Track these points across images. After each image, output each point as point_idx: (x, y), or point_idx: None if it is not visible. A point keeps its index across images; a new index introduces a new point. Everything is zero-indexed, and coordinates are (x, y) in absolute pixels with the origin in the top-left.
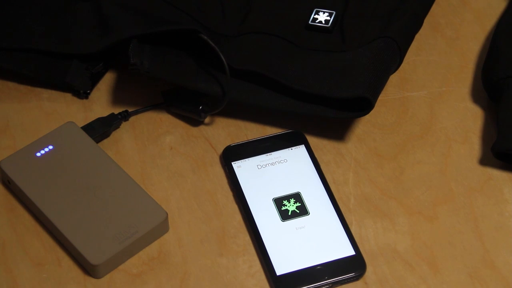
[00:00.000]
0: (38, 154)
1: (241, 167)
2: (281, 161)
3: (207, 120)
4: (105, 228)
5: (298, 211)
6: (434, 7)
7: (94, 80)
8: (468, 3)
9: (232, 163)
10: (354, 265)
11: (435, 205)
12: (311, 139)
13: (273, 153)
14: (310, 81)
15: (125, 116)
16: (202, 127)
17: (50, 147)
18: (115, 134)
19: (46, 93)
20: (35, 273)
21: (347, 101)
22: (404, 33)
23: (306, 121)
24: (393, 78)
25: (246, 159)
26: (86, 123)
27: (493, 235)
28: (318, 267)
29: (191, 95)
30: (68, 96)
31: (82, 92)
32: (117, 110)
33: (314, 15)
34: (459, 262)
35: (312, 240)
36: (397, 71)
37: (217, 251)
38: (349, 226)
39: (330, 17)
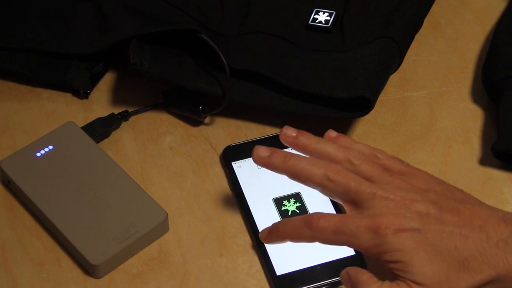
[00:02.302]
0: (38, 154)
1: (241, 167)
2: None
3: (207, 120)
4: (105, 228)
5: (298, 211)
6: (434, 7)
7: (94, 80)
8: (468, 3)
9: (232, 163)
10: (354, 265)
11: None
12: None
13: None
14: (310, 81)
15: (125, 116)
16: (202, 127)
17: (50, 147)
18: (115, 134)
19: (46, 93)
20: (35, 273)
21: (347, 101)
22: (404, 33)
23: (306, 121)
24: (393, 78)
25: (246, 159)
26: (86, 123)
27: None
28: (318, 267)
29: (191, 95)
30: (68, 96)
31: (82, 92)
32: (117, 110)
33: (314, 15)
34: None
35: None
36: (397, 71)
37: (217, 251)
38: None
39: (330, 17)
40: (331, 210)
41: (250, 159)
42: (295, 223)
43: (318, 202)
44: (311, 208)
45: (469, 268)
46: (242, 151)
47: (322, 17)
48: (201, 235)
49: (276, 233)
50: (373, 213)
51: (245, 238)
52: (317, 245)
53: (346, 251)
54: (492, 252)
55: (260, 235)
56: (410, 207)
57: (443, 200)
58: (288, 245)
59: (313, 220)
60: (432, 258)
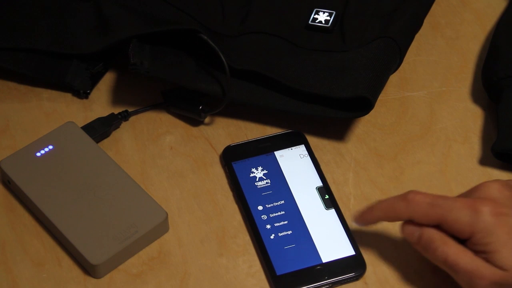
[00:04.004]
0: (38, 154)
1: (240, 168)
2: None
3: (207, 120)
4: (105, 228)
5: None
6: (434, 7)
7: (94, 80)
8: (468, 3)
9: (232, 163)
10: (354, 265)
11: None
12: (311, 139)
13: (273, 153)
14: (310, 81)
15: (125, 116)
16: (202, 127)
17: (50, 147)
18: (115, 134)
19: (46, 93)
20: (35, 273)
21: (347, 101)
22: (404, 33)
23: (306, 121)
24: (393, 78)
25: (244, 160)
26: (86, 123)
27: None
28: (318, 267)
29: (191, 95)
30: (68, 96)
31: (82, 92)
32: (117, 110)
33: (314, 15)
34: None
35: (312, 240)
36: (397, 71)
37: (217, 251)
38: (349, 226)
39: (330, 17)
40: (331, 210)
41: (249, 159)
42: (390, 199)
43: (318, 202)
44: (311, 208)
45: None
46: (242, 151)
47: (322, 17)
48: (201, 235)
49: (370, 211)
50: (473, 195)
51: (245, 238)
52: (317, 245)
53: (346, 251)
54: None
55: (353, 219)
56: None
57: None
58: (288, 245)
59: (409, 193)
60: None
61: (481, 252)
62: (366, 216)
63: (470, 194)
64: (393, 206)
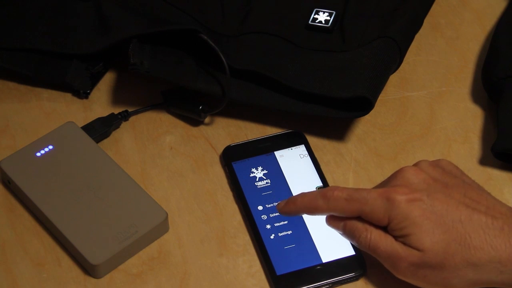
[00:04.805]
0: (38, 154)
1: (240, 167)
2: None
3: (207, 120)
4: (105, 228)
5: None
6: (434, 7)
7: (94, 80)
8: (468, 3)
9: (232, 163)
10: (354, 265)
11: None
12: (311, 139)
13: (273, 153)
14: (310, 81)
15: (125, 116)
16: (202, 127)
17: (50, 147)
18: (115, 134)
19: (46, 93)
20: (35, 273)
21: (347, 101)
22: (404, 33)
23: (306, 121)
24: (393, 78)
25: (245, 160)
26: (86, 123)
27: None
28: (318, 267)
29: (191, 95)
30: (68, 96)
31: (82, 92)
32: (117, 110)
33: (314, 15)
34: None
35: (312, 240)
36: (397, 71)
37: (217, 251)
38: None
39: (330, 17)
40: None
41: (249, 159)
42: (312, 195)
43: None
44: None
45: (469, 244)
46: (242, 151)
47: (322, 17)
48: (201, 235)
49: (294, 204)
50: (386, 184)
51: (245, 238)
52: (317, 245)
53: (346, 251)
54: (496, 233)
55: (276, 207)
56: (422, 179)
57: (450, 179)
58: (288, 245)
59: (328, 190)
60: (434, 228)
61: (399, 236)
62: (288, 208)
63: (389, 181)
64: (314, 203)
